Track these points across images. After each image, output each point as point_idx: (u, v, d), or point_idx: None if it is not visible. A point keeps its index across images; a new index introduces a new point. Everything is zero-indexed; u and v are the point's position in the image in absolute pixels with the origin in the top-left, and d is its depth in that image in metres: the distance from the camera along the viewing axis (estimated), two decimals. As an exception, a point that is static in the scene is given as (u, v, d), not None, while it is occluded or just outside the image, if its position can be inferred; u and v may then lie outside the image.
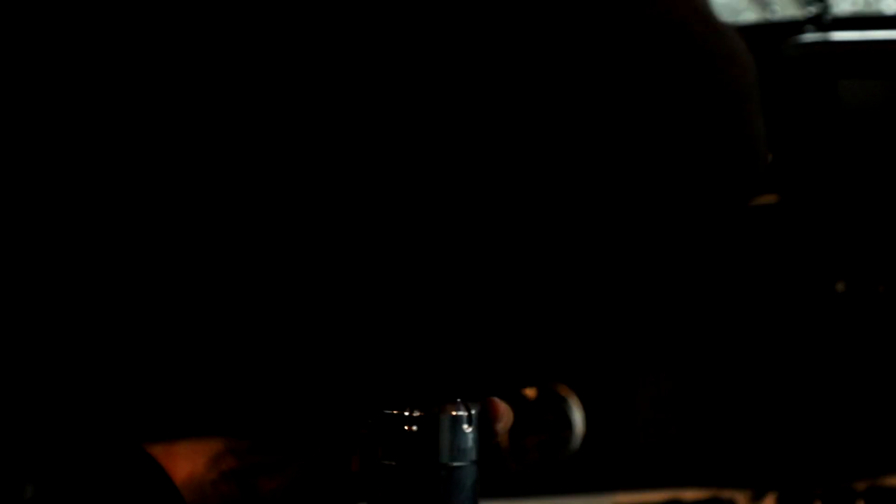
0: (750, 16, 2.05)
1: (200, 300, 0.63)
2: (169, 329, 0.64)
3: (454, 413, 0.77)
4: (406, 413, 0.74)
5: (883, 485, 1.25)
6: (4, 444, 0.66)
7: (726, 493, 1.26)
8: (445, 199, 0.61)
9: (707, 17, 0.65)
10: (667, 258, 0.67)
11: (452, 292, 0.65)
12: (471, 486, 0.77)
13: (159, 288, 0.62)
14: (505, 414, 0.80)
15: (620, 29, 0.61)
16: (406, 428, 0.74)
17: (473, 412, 0.78)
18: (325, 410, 0.73)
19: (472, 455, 0.77)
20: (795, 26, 1.29)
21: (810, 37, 1.27)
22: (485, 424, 0.79)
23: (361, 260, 0.63)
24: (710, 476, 1.27)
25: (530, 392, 1.29)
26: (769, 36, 1.28)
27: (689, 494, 1.26)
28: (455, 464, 0.76)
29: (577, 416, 1.28)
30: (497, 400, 0.84)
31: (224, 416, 0.77)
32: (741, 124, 0.64)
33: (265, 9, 0.60)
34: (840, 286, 1.26)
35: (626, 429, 1.28)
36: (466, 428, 0.76)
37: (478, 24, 0.60)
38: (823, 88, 1.25)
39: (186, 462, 0.82)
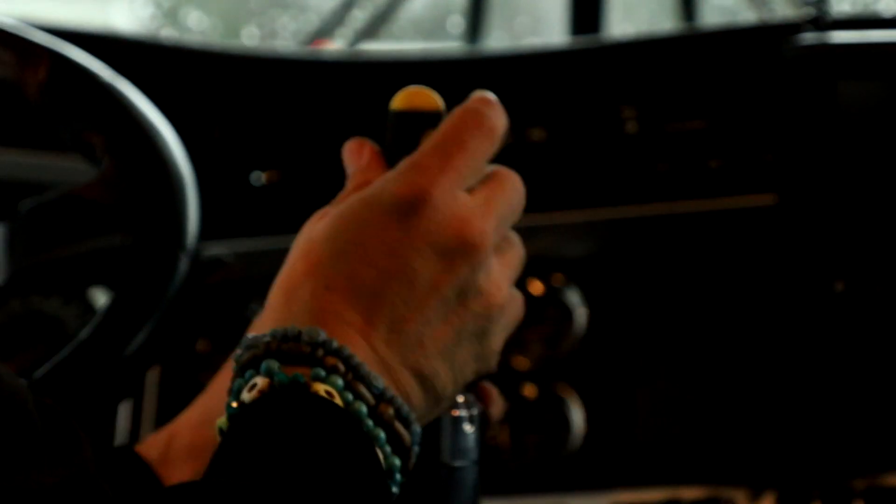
0: (748, 16, 2.05)
1: None
2: None
3: (455, 414, 0.77)
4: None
5: (882, 484, 1.25)
6: None
7: (725, 492, 1.26)
8: None
9: None
10: None
11: None
12: (472, 486, 0.78)
13: None
14: (496, 397, 0.81)
15: None
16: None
17: (475, 413, 0.78)
18: None
19: (474, 455, 0.78)
20: (794, 27, 1.29)
21: (809, 38, 1.27)
22: (484, 424, 0.79)
23: None
24: (709, 475, 1.27)
25: (530, 392, 1.29)
26: (767, 37, 1.29)
27: (688, 493, 1.26)
28: (457, 464, 0.76)
29: (577, 416, 1.28)
30: (487, 385, 0.84)
31: None
32: None
33: None
34: (839, 286, 1.27)
35: (626, 427, 1.28)
36: (468, 428, 0.77)
37: None
38: (822, 89, 1.25)
39: (186, 466, 0.82)
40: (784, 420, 1.27)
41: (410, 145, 0.74)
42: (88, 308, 1.32)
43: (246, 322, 0.91)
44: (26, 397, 0.60)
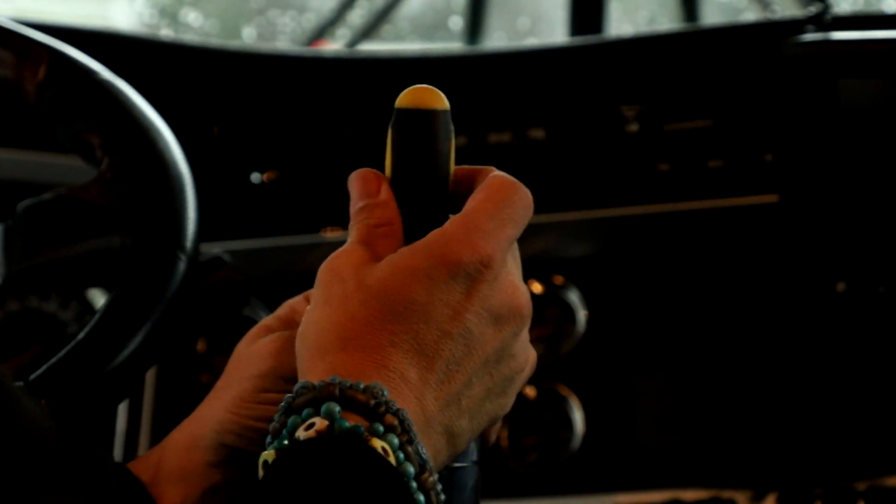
0: (750, 15, 2.05)
1: None
2: None
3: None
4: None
5: (884, 485, 1.25)
6: None
7: (727, 494, 1.26)
8: None
9: None
10: None
11: None
12: (472, 487, 0.78)
13: None
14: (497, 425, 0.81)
15: None
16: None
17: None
18: None
19: (474, 456, 0.78)
20: (796, 25, 1.29)
21: (810, 36, 1.27)
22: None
23: None
24: (710, 476, 1.27)
25: (530, 392, 1.29)
26: (769, 35, 1.29)
27: (690, 495, 1.26)
28: (456, 465, 0.76)
29: (577, 416, 1.28)
30: None
31: None
32: None
33: None
34: (840, 286, 1.27)
35: (626, 429, 1.28)
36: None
37: None
38: (823, 88, 1.25)
39: (176, 490, 0.83)
40: (785, 421, 1.27)
41: (414, 144, 0.74)
42: (87, 309, 1.32)
43: (245, 322, 0.90)
44: (49, 425, 0.61)
